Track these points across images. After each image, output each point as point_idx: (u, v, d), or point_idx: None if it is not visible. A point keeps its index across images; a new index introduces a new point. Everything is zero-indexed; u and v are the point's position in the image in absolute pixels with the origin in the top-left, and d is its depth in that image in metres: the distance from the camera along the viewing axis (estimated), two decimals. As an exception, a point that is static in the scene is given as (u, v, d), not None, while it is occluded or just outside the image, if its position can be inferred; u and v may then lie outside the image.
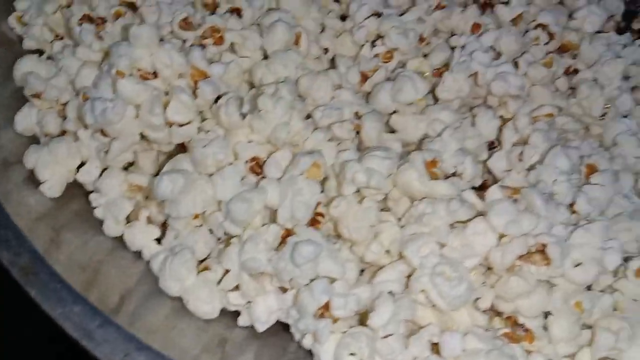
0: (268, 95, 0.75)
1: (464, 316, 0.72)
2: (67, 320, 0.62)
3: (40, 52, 0.86)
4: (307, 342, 0.71)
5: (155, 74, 0.77)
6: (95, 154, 0.78)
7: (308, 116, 0.81)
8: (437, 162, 0.75)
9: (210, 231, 0.76)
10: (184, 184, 0.72)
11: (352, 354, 0.68)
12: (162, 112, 0.75)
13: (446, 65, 0.88)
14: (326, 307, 0.69)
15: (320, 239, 0.72)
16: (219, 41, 0.82)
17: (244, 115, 0.76)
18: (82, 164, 0.79)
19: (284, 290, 0.73)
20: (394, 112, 0.84)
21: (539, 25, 0.96)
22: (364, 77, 0.87)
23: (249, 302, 0.73)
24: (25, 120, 0.80)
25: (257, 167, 0.75)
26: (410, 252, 0.71)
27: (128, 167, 0.81)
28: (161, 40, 0.80)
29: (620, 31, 1.12)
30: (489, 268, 0.73)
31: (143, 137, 0.77)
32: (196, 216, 0.75)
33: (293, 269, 0.69)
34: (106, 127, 0.75)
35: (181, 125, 0.76)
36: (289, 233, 0.72)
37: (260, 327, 0.73)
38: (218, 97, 0.78)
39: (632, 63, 1.04)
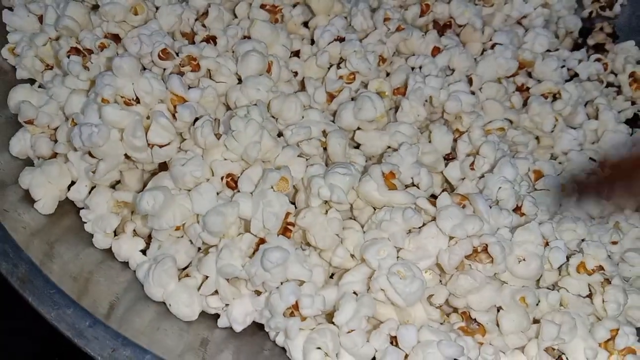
0: (239, 118, 0.82)
1: (420, 311, 0.78)
2: (61, 321, 0.68)
3: (32, 81, 0.91)
4: (279, 339, 0.77)
5: (137, 100, 0.82)
6: (84, 174, 0.83)
7: (280, 134, 0.88)
8: (395, 174, 0.81)
9: (190, 242, 0.82)
10: (164, 199, 0.77)
11: (318, 348, 0.74)
12: (144, 135, 0.80)
13: (405, 85, 0.94)
14: (295, 306, 0.75)
15: (289, 245, 0.77)
16: (196, 68, 0.87)
17: (218, 136, 0.81)
18: (72, 183, 0.84)
19: (258, 293, 0.79)
20: (358, 128, 0.91)
21: (494, 44, 1.04)
22: (330, 97, 0.93)
23: (226, 305, 0.79)
24: (20, 144, 0.86)
25: (232, 182, 0.82)
26: (369, 255, 0.77)
27: (115, 184, 0.86)
28: (143, 69, 0.86)
29: (577, 47, 1.20)
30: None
31: (128, 157, 0.82)
32: (177, 228, 0.81)
33: (264, 273, 0.75)
34: (93, 149, 0.80)
35: (162, 147, 0.81)
36: (262, 241, 0.78)
37: (238, 328, 0.78)
38: (196, 119, 0.83)
39: (587, 78, 1.12)
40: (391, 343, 0.76)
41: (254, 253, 0.79)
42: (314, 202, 0.80)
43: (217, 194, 0.80)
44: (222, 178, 0.82)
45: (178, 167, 0.80)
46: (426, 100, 0.93)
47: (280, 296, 0.75)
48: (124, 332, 0.70)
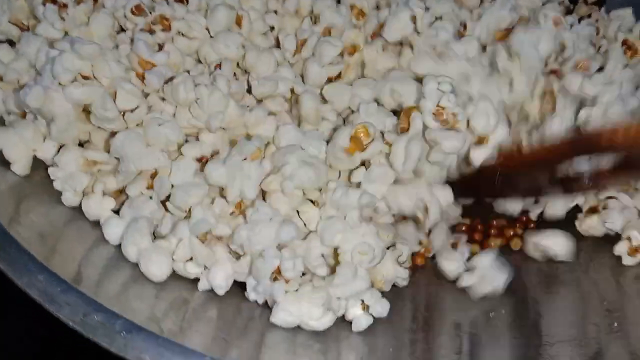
0: (203, 86, 0.81)
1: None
2: (32, 287, 0.67)
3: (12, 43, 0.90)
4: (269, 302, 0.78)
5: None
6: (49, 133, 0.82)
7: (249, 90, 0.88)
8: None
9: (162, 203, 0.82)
10: (136, 139, 0.79)
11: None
12: (114, 105, 0.80)
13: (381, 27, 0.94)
14: (277, 271, 0.76)
15: (270, 209, 0.79)
16: (167, 28, 0.87)
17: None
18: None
19: (237, 256, 0.79)
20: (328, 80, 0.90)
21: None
22: (302, 44, 0.92)
23: (205, 268, 0.79)
24: None
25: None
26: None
27: (84, 143, 0.85)
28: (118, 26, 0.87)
29: (569, 12, 1.18)
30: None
31: (86, 112, 0.82)
32: (149, 186, 0.81)
33: (248, 234, 0.76)
34: (35, 111, 0.80)
35: (132, 111, 0.81)
36: (241, 205, 0.80)
37: (221, 292, 0.79)
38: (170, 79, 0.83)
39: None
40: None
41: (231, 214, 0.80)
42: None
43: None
44: (197, 160, 0.82)
45: (154, 128, 0.80)
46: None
47: (265, 261, 0.76)
48: (97, 296, 0.69)
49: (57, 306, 0.67)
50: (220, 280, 0.78)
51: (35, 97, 0.78)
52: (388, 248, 0.83)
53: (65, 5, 0.86)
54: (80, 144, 0.85)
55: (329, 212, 0.82)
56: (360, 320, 0.79)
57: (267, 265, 0.76)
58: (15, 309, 0.75)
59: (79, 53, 0.80)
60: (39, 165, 0.84)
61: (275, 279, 0.77)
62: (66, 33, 0.86)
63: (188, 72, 0.87)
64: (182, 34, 0.88)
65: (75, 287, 0.68)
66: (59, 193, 0.82)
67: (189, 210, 0.79)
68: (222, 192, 0.81)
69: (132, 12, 0.86)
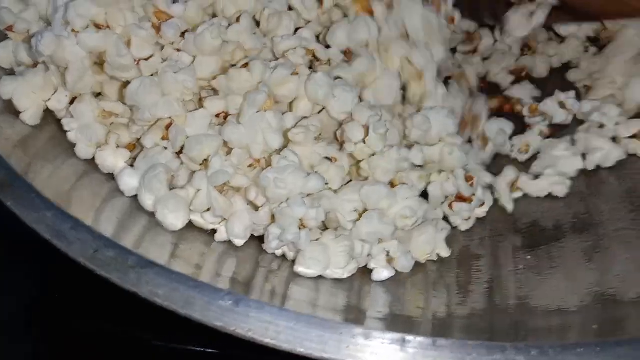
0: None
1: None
2: (40, 224, 0.64)
3: None
4: (289, 254, 0.75)
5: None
6: (63, 83, 0.79)
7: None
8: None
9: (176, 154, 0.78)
10: (151, 86, 0.75)
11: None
12: (129, 51, 0.77)
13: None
14: (302, 220, 0.73)
15: (297, 158, 0.75)
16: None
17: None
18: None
19: (256, 208, 0.76)
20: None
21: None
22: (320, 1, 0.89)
23: (223, 219, 0.76)
24: (2, 51, 0.81)
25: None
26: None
27: (98, 95, 0.81)
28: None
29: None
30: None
31: (99, 64, 0.78)
32: (164, 137, 0.78)
33: (275, 178, 0.73)
34: (48, 60, 0.76)
35: (147, 59, 0.78)
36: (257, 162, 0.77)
37: (240, 243, 0.75)
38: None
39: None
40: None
41: (249, 166, 0.77)
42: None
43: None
44: (216, 116, 0.79)
45: (170, 75, 0.76)
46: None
47: (292, 208, 0.72)
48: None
49: (66, 242, 0.63)
50: (238, 230, 0.75)
51: (48, 44, 0.74)
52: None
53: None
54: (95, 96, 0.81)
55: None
56: (382, 271, 0.76)
57: (295, 212, 0.72)
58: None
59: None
60: (49, 119, 0.80)
61: (300, 227, 0.73)
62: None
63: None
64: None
65: (85, 223, 0.64)
66: (71, 146, 0.79)
67: (204, 161, 0.76)
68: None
69: None
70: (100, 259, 0.62)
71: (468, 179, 0.83)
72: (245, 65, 0.79)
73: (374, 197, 0.76)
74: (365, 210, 0.76)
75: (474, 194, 0.83)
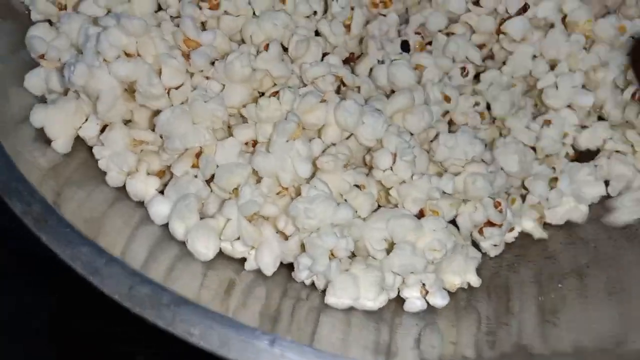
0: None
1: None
2: (76, 260, 0.63)
3: (50, 23, 0.85)
4: (319, 283, 0.75)
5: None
6: (94, 111, 0.78)
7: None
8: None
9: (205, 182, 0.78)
10: (182, 116, 0.75)
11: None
12: (160, 80, 0.77)
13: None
14: (332, 250, 0.73)
15: (325, 187, 0.75)
16: (215, 7, 0.82)
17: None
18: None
19: (285, 237, 0.76)
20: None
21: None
22: (347, 28, 0.89)
23: (252, 248, 0.76)
24: (34, 79, 0.80)
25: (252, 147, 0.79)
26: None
27: (128, 122, 0.81)
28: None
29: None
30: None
31: (130, 91, 0.78)
32: (194, 165, 0.77)
33: (306, 208, 0.73)
34: (80, 89, 0.76)
35: (177, 88, 0.78)
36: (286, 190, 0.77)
37: (269, 272, 0.75)
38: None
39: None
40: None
41: (277, 194, 0.77)
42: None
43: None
44: (245, 144, 0.79)
45: (200, 104, 0.76)
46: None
47: (323, 239, 0.72)
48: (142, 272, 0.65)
49: (100, 278, 0.63)
50: (267, 259, 0.75)
51: (80, 75, 0.74)
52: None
53: (106, -18, 0.82)
54: (125, 123, 0.81)
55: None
56: (415, 302, 0.76)
57: (325, 243, 0.72)
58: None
59: (125, 28, 0.76)
60: (79, 147, 0.80)
61: (330, 257, 0.73)
62: (109, 11, 0.82)
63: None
64: (228, 13, 0.84)
65: (120, 259, 0.64)
66: (102, 173, 0.78)
67: (234, 190, 0.76)
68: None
69: None
70: (134, 297, 0.62)
71: (496, 205, 0.82)
72: (275, 93, 0.79)
73: (400, 230, 0.75)
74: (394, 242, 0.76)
75: (504, 219, 0.82)
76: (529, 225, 0.87)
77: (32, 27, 0.83)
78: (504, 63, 0.94)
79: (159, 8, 0.85)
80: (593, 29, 0.91)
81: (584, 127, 0.93)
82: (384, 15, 0.93)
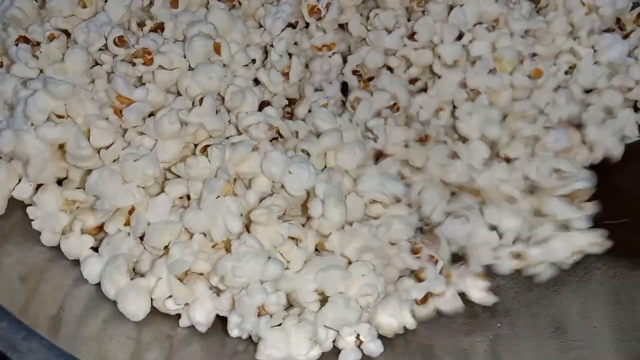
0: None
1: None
2: None
3: None
4: (254, 338, 0.75)
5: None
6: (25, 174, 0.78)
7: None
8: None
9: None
10: (111, 176, 0.75)
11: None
12: (88, 143, 0.77)
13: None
14: (262, 305, 0.73)
15: (255, 242, 0.75)
16: (149, 62, 0.82)
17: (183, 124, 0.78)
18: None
19: (218, 292, 0.76)
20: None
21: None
22: (286, 76, 0.90)
23: (186, 304, 0.76)
24: None
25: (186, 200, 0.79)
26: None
27: (62, 180, 0.81)
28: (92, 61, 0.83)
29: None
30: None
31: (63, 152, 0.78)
32: (126, 223, 0.78)
33: (234, 266, 0.73)
34: (9, 154, 0.77)
35: (108, 147, 0.78)
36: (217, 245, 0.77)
37: (203, 329, 0.76)
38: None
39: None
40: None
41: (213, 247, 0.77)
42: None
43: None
44: (180, 198, 0.80)
45: (130, 163, 0.76)
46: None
47: (250, 296, 0.73)
48: (72, 340, 0.67)
49: (19, 355, 0.63)
50: (200, 317, 0.75)
51: (7, 141, 0.75)
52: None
53: (38, 44, 0.82)
54: (59, 181, 0.81)
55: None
56: (350, 353, 0.76)
57: (253, 301, 0.72)
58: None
59: (52, 93, 0.76)
60: (15, 205, 0.80)
61: (259, 314, 0.73)
62: (41, 71, 0.82)
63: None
64: (163, 67, 0.84)
65: (38, 333, 0.64)
66: (37, 232, 0.78)
67: (165, 247, 0.76)
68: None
69: (115, 43, 0.82)
70: (51, 373, 0.62)
71: (414, 251, 0.82)
72: (204, 150, 0.79)
73: (329, 281, 0.75)
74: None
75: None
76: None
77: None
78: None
79: (95, 63, 0.85)
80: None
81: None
82: (329, 57, 0.94)
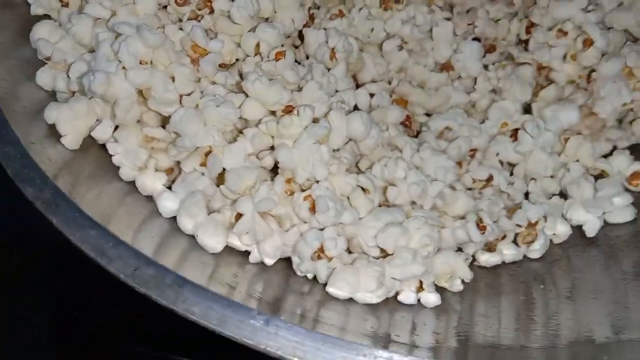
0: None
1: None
2: (84, 242, 0.64)
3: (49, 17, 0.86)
4: (321, 277, 0.76)
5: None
6: (106, 114, 0.79)
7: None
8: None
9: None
10: (194, 116, 0.77)
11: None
12: (175, 87, 0.78)
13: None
14: (321, 249, 0.74)
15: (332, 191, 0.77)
16: (211, 11, 0.84)
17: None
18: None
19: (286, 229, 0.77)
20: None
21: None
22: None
23: (257, 242, 0.76)
24: (45, 76, 0.82)
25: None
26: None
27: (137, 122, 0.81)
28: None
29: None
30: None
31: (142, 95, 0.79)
32: (202, 164, 0.79)
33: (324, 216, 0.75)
34: (98, 96, 0.77)
35: (188, 95, 0.80)
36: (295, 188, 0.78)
37: (270, 262, 0.76)
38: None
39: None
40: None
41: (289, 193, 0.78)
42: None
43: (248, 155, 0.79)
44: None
45: (212, 108, 0.77)
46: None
47: (306, 242, 0.74)
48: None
49: (108, 260, 0.64)
50: (269, 248, 0.76)
51: (101, 84, 0.75)
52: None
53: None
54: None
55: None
56: (410, 294, 0.77)
57: (308, 248, 0.74)
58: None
59: (145, 40, 0.77)
60: (93, 143, 0.81)
61: (318, 257, 0.74)
62: (113, 12, 0.83)
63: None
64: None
65: (126, 242, 0.65)
66: (115, 168, 0.79)
67: (245, 190, 0.77)
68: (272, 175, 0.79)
69: (177, 3, 0.84)
70: (139, 277, 0.62)
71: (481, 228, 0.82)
72: (290, 111, 0.80)
73: (390, 239, 0.76)
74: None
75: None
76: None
77: (35, 25, 0.84)
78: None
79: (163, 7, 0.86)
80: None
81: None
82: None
